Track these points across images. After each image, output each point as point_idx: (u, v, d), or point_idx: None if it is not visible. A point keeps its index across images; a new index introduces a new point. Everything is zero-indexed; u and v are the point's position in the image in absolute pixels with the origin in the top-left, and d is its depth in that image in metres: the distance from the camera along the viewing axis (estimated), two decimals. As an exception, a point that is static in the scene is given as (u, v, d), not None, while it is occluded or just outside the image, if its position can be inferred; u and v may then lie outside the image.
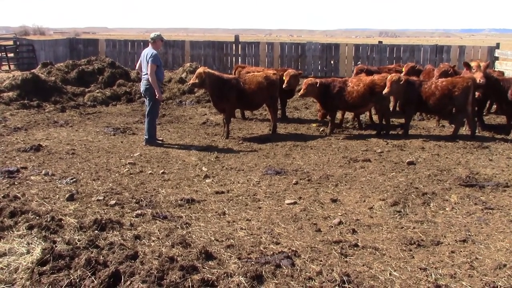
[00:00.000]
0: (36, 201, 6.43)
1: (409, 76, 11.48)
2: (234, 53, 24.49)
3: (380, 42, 25.65)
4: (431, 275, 4.67)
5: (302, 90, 11.03)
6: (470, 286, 4.49)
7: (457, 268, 4.83)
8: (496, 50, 21.18)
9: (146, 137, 9.97)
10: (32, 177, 7.53)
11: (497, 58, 20.30)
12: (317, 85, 10.84)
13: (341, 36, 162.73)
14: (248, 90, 10.70)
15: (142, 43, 25.44)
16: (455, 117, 11.10)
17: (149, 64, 9.61)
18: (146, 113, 10.00)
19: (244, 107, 11.93)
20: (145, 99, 10.20)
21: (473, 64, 11.05)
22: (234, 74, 13.30)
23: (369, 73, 12.77)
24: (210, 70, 10.52)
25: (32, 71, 15.98)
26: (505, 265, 4.84)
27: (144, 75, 9.91)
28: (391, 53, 23.17)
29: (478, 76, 10.51)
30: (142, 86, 10.04)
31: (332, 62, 23.59)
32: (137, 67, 10.43)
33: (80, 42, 27.14)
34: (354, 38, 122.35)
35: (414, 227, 5.88)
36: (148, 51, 9.83)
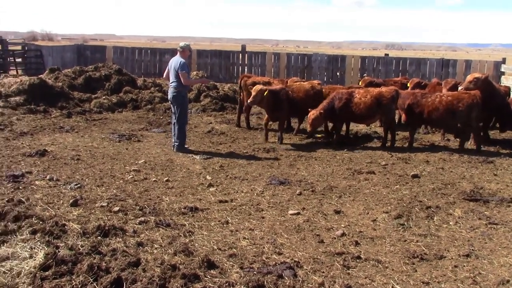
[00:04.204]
0: (40, 206, 6.46)
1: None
2: (240, 62, 24.68)
3: (386, 54, 25.74)
4: (434, 289, 4.66)
5: (310, 121, 10.93)
6: (473, 302, 4.46)
7: (460, 283, 4.81)
8: (502, 65, 21.19)
9: (177, 144, 10.14)
10: (36, 182, 7.56)
11: (503, 73, 20.29)
12: (323, 114, 10.86)
13: (347, 48, 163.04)
14: (297, 99, 11.46)
15: (149, 51, 25.65)
16: (462, 131, 11.04)
17: (180, 73, 9.81)
18: (176, 120, 10.16)
19: (293, 115, 12.54)
20: (172, 107, 10.32)
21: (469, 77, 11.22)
22: (240, 83, 13.35)
23: (373, 85, 12.92)
24: (266, 87, 11.03)
25: (39, 76, 16.09)
26: (508, 281, 4.81)
27: (171, 83, 10.06)
28: (397, 66, 23.28)
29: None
30: (170, 94, 10.20)
31: (338, 73, 23.68)
32: (164, 76, 10.58)
33: (87, 48, 27.37)
34: (361, 50, 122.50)
35: (417, 241, 5.86)
36: (176, 60, 10.03)
